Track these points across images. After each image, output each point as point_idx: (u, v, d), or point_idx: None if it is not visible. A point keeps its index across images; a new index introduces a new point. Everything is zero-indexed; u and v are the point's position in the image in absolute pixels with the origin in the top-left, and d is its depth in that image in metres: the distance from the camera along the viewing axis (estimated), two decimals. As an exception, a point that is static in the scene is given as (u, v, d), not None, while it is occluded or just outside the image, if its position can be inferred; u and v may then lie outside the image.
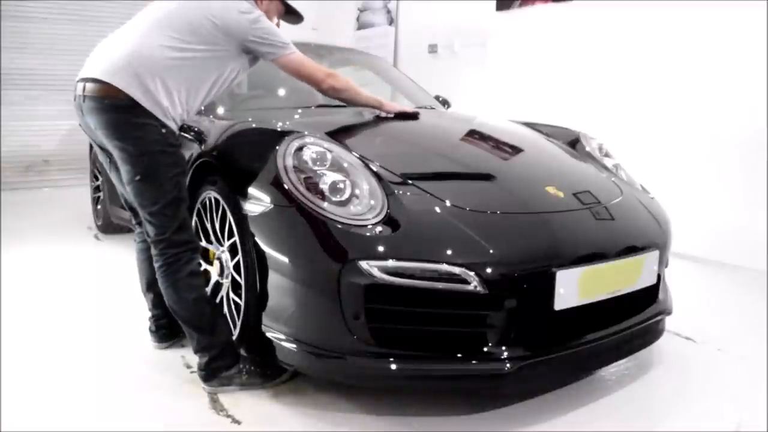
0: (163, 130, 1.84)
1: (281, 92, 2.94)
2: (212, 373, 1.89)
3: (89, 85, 1.82)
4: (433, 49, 5.89)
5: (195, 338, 1.89)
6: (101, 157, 2.07)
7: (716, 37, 3.69)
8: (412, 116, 2.50)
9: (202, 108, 2.66)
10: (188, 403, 1.83)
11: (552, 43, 4.73)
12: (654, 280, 1.98)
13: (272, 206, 1.76)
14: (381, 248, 1.61)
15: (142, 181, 1.81)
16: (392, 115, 2.44)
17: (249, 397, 1.86)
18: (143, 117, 1.79)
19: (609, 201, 2.04)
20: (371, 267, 1.59)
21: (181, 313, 1.89)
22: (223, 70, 1.95)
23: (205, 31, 1.87)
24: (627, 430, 1.76)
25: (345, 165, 1.82)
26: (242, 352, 1.96)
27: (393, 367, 1.63)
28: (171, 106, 1.85)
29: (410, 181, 1.85)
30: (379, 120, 2.45)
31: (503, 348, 1.65)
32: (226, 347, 1.90)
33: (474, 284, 1.59)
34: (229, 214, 1.94)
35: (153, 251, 1.89)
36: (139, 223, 2.14)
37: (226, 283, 2.02)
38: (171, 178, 1.84)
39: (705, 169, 3.79)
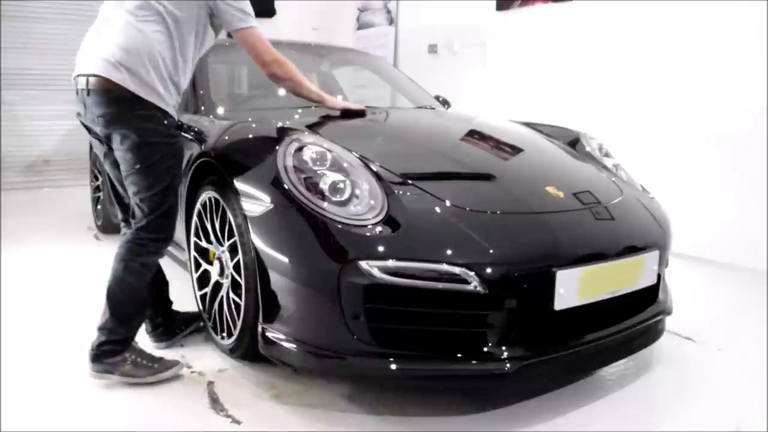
0: (165, 122, 1.93)
1: (281, 92, 2.94)
2: (99, 355, 1.91)
3: (93, 79, 1.87)
4: (433, 49, 5.89)
5: (107, 318, 1.92)
6: (97, 149, 2.09)
7: (716, 36, 3.69)
8: (359, 113, 2.49)
9: (202, 108, 2.67)
10: (188, 403, 1.83)
11: (552, 43, 4.73)
12: (654, 280, 1.98)
13: (272, 206, 1.76)
14: (381, 248, 1.61)
15: (142, 169, 1.89)
16: (338, 113, 2.44)
17: (249, 397, 1.86)
18: (147, 108, 1.88)
19: (609, 201, 2.04)
20: (371, 267, 1.59)
21: (114, 290, 1.92)
22: (198, 39, 2.01)
23: None
24: (627, 430, 1.76)
25: (345, 165, 1.82)
26: (240, 355, 1.97)
27: (393, 367, 1.63)
28: (167, 93, 1.93)
29: (410, 181, 1.85)
30: (378, 120, 2.45)
31: (503, 348, 1.65)
32: (124, 341, 1.94)
33: (474, 284, 1.59)
34: (229, 214, 1.94)
35: (129, 230, 1.96)
36: (126, 220, 2.17)
37: (226, 283, 2.02)
38: (168, 168, 1.93)
39: (705, 168, 3.79)
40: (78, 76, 1.93)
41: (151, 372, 1.93)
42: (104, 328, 1.93)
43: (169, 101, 1.93)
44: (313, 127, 2.21)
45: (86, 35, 2.00)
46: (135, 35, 1.87)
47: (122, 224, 2.20)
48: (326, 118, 2.42)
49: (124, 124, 1.87)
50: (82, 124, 2.03)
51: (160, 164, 1.91)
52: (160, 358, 1.98)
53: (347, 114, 2.46)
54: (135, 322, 1.97)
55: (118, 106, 1.86)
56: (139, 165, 1.88)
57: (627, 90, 4.21)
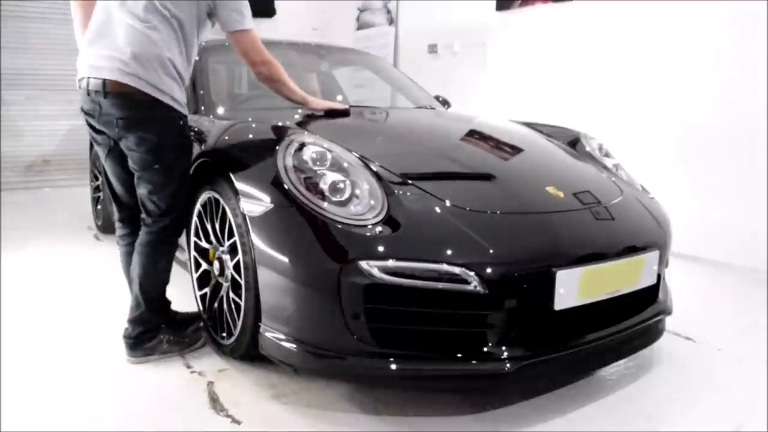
0: (181, 122, 1.99)
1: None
2: (137, 343, 2.06)
3: (110, 82, 1.88)
4: (433, 49, 5.89)
5: (140, 310, 2.05)
6: (100, 147, 2.09)
7: (716, 35, 3.69)
8: (343, 113, 2.50)
9: (202, 108, 2.67)
10: (188, 403, 1.83)
11: (552, 43, 4.73)
12: (654, 280, 1.97)
13: (272, 206, 1.76)
14: (381, 248, 1.61)
15: (160, 169, 1.96)
16: (321, 113, 2.45)
17: (249, 397, 1.86)
18: (165, 111, 1.94)
19: (609, 201, 2.04)
20: (371, 267, 1.59)
21: (145, 283, 2.03)
22: (199, 38, 2.07)
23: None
24: (627, 430, 1.76)
25: (345, 165, 1.82)
26: (240, 355, 1.97)
27: (393, 367, 1.63)
28: (180, 92, 1.98)
29: (410, 181, 1.85)
30: (378, 120, 2.45)
31: (503, 348, 1.65)
32: (157, 328, 2.11)
33: (474, 284, 1.59)
34: (229, 214, 1.94)
35: (148, 226, 2.03)
36: (123, 221, 2.19)
37: (226, 283, 2.02)
38: (182, 166, 2.04)
39: (705, 167, 3.79)
40: (90, 78, 1.91)
41: (185, 345, 2.13)
42: (138, 319, 2.06)
43: (182, 101, 2.00)
44: (312, 127, 2.21)
45: (85, 35, 1.99)
46: (143, 41, 1.88)
47: (118, 223, 2.21)
48: (319, 118, 2.42)
49: (143, 127, 1.91)
50: (89, 124, 2.02)
51: (176, 163, 2.00)
52: (186, 332, 2.17)
53: (332, 113, 2.46)
54: (162, 310, 2.14)
55: (138, 109, 1.90)
56: (158, 165, 1.95)
57: (627, 90, 4.20)
